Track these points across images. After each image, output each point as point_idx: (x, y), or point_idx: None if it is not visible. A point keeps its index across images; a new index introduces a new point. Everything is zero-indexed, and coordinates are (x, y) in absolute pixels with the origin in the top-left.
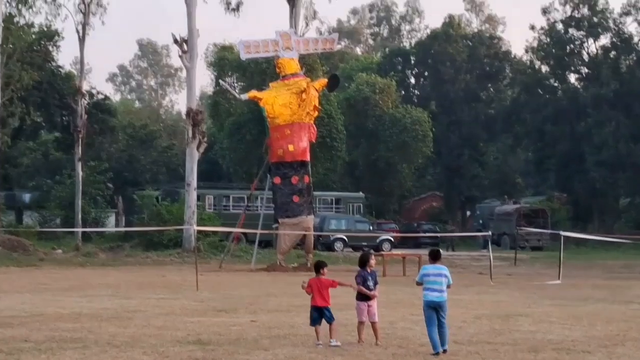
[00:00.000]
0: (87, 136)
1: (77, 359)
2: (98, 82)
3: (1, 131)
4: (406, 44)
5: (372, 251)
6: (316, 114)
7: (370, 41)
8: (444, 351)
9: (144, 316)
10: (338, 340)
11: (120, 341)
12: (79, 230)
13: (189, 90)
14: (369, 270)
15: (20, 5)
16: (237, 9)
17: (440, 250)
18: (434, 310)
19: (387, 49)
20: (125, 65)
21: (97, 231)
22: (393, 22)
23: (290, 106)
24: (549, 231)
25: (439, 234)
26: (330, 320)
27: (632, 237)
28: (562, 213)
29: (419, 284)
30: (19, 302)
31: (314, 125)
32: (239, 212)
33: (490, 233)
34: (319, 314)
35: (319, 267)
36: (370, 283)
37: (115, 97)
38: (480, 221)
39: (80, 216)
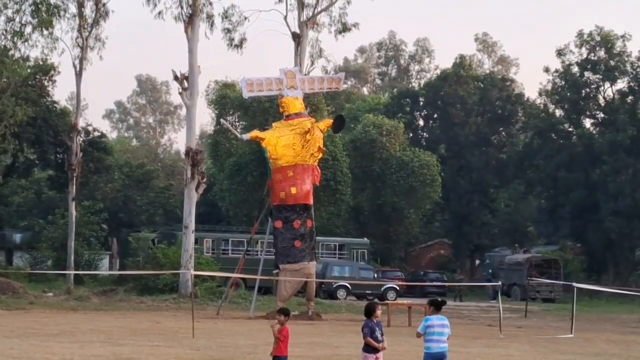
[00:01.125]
0: (82, 175)
1: None
2: (94, 119)
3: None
4: (415, 84)
5: (377, 300)
6: (320, 155)
7: (378, 81)
8: None
9: None
10: None
11: None
12: (71, 272)
13: (188, 129)
14: (375, 321)
15: (15, 38)
16: (240, 45)
17: (444, 300)
18: None
19: (395, 90)
20: (122, 102)
21: (90, 274)
22: (402, 61)
23: (293, 147)
24: (562, 282)
25: (446, 283)
26: None
27: None
28: (575, 264)
29: (420, 335)
30: (7, 347)
31: (318, 168)
32: (238, 257)
33: (500, 283)
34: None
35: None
36: (378, 334)
37: (112, 135)
38: (490, 270)
39: (72, 258)
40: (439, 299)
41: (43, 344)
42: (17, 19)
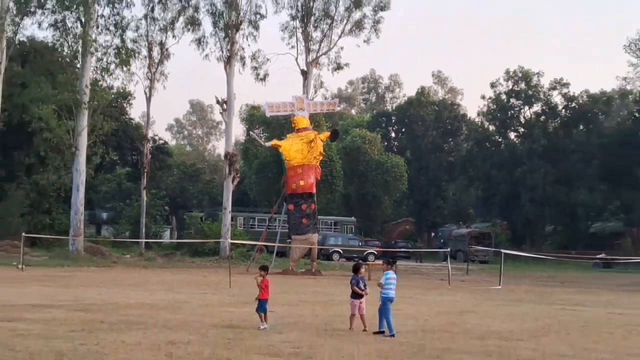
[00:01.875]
0: (150, 171)
1: (140, 337)
2: (159, 131)
3: (87, 166)
4: (389, 107)
5: (361, 261)
6: (321, 158)
7: (362, 105)
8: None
9: (190, 306)
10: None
11: (173, 324)
12: (143, 240)
13: (227, 139)
14: (359, 276)
15: (103, 73)
16: (264, 78)
17: (394, 259)
18: (390, 303)
19: (374, 111)
20: (179, 119)
21: (156, 242)
22: (379, 91)
23: (302, 152)
24: (493, 249)
25: (410, 250)
26: None
27: (555, 255)
28: (502, 236)
29: (382, 285)
30: (97, 294)
31: (319, 167)
32: (262, 230)
33: (449, 249)
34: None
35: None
36: (362, 285)
37: (172, 142)
38: (442, 240)
39: (143, 230)
40: (391, 259)
41: (122, 292)
42: (105, 59)
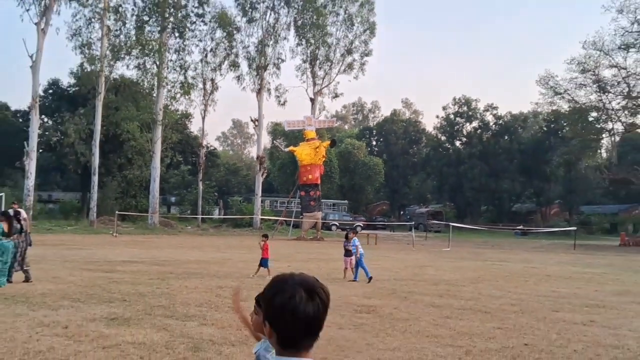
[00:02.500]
0: (205, 168)
1: (197, 283)
2: (211, 140)
3: (160, 165)
4: (371, 124)
5: (351, 231)
6: (324, 159)
7: (352, 122)
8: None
9: (232, 262)
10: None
11: (220, 274)
12: (199, 217)
13: (258, 146)
14: (349, 241)
15: (171, 100)
16: (284, 104)
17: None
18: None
19: (361, 126)
20: (225, 132)
21: (209, 217)
22: (364, 112)
23: (310, 155)
24: (444, 222)
25: (386, 223)
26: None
27: (487, 227)
28: (451, 213)
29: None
30: (167, 253)
31: (322, 165)
32: (282, 209)
33: (413, 223)
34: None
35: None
36: (351, 247)
37: (220, 149)
38: (408, 217)
39: (200, 209)
40: (355, 230)
41: (185, 252)
42: (173, 91)
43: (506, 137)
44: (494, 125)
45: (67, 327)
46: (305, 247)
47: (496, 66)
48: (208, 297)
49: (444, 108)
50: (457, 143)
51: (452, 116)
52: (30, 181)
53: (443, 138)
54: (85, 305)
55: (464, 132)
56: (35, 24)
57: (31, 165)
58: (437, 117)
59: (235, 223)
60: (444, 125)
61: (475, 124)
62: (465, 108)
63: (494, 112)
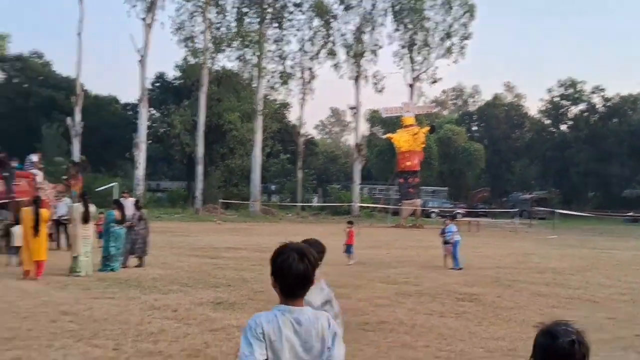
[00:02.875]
0: (304, 157)
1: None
2: (309, 129)
3: (262, 154)
4: (471, 108)
5: (447, 218)
6: (423, 145)
7: (452, 107)
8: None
9: (331, 249)
10: None
11: (323, 261)
12: (299, 204)
13: (356, 133)
14: (445, 228)
15: (271, 90)
16: (381, 91)
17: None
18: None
19: (460, 112)
20: (323, 120)
21: (308, 205)
22: (464, 97)
23: (408, 141)
24: (549, 209)
25: (488, 210)
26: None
27: (595, 213)
28: (556, 200)
29: (443, 235)
30: (268, 240)
31: (421, 152)
32: (380, 197)
33: (516, 210)
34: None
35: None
36: (447, 234)
37: (317, 137)
38: (511, 203)
39: (299, 197)
40: (452, 216)
41: (285, 238)
42: (272, 81)
43: (615, 120)
44: (601, 108)
45: (176, 310)
46: (404, 234)
47: (603, 46)
48: None
49: (549, 90)
50: (563, 127)
51: (557, 99)
52: (140, 171)
53: (547, 122)
54: (193, 289)
55: (570, 115)
56: (142, 19)
57: (140, 156)
58: (541, 100)
59: (334, 210)
60: (549, 109)
61: (581, 106)
62: (571, 90)
63: (602, 94)
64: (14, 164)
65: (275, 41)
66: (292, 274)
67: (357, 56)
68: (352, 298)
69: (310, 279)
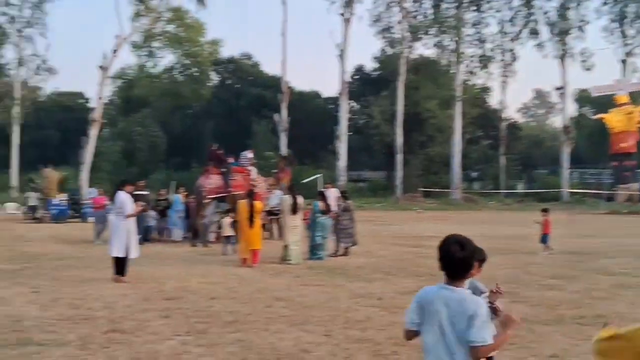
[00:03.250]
0: (506, 142)
1: (505, 259)
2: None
3: (462, 140)
4: None
5: None
6: (638, 125)
7: None
8: None
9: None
10: None
11: (525, 251)
12: (502, 192)
13: (563, 115)
14: None
15: (470, 75)
16: (589, 69)
17: None
18: None
19: None
20: (525, 103)
21: (512, 192)
22: None
23: (622, 122)
24: None
25: None
26: None
27: None
28: None
29: None
30: (470, 229)
31: (638, 132)
32: (592, 182)
33: None
34: None
35: None
36: None
37: (520, 121)
38: None
39: (502, 183)
40: None
41: (489, 228)
42: (471, 65)
43: None
44: None
45: (381, 298)
46: (620, 221)
47: None
48: (517, 274)
49: None
50: None
51: None
52: (342, 162)
53: None
54: (396, 278)
55: None
56: (341, 14)
57: (342, 148)
58: None
59: (540, 197)
60: None
61: None
62: None
63: None
64: (230, 160)
65: (474, 25)
66: (453, 260)
67: (562, 34)
68: (566, 290)
69: (468, 265)
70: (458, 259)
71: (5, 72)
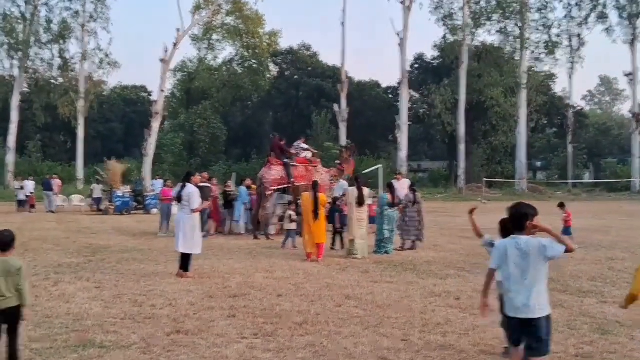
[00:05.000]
0: (573, 130)
1: (584, 253)
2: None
3: (527, 129)
4: None
5: None
6: None
7: None
8: None
9: (615, 229)
10: None
11: (605, 244)
12: (570, 182)
13: (633, 101)
14: None
15: (535, 61)
16: None
17: None
18: None
19: None
20: (591, 90)
21: (579, 182)
22: None
23: None
24: None
25: None
26: None
27: None
28: None
29: None
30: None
31: None
32: None
33: None
34: None
35: None
36: None
37: (586, 108)
38: None
39: (569, 173)
40: None
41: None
42: (536, 52)
43: None
44: None
45: (459, 298)
46: None
47: None
48: (600, 270)
49: None
50: None
51: None
52: (403, 153)
53: None
54: (471, 275)
55: None
56: (401, 2)
57: (403, 138)
58: None
59: (610, 187)
60: None
61: None
62: None
63: None
64: (293, 151)
65: (539, 10)
66: (516, 216)
67: (633, 17)
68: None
69: (525, 220)
70: (520, 216)
71: (70, 67)
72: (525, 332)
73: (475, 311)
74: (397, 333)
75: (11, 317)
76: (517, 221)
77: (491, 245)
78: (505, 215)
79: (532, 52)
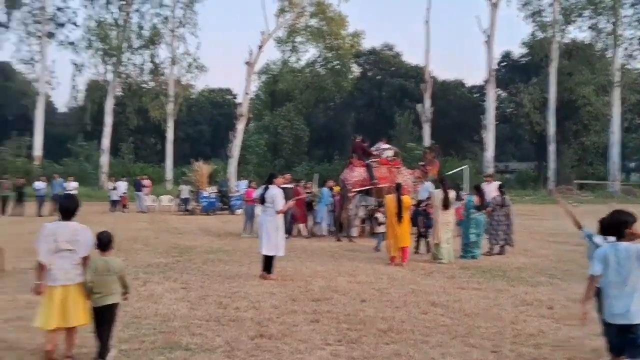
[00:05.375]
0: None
1: None
2: None
3: (620, 129)
4: None
5: None
6: None
7: None
8: None
9: None
10: None
11: None
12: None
13: None
14: None
15: (629, 59)
16: None
17: None
18: None
19: None
20: None
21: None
22: None
23: None
24: None
25: None
26: None
27: None
28: None
29: None
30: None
31: None
32: None
33: None
34: None
35: None
36: None
37: None
38: None
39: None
40: None
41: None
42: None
43: None
44: None
45: (551, 307)
46: None
47: None
48: None
49: None
50: None
51: None
52: (489, 153)
53: None
54: (564, 282)
55: None
56: None
57: (489, 138)
58: None
59: None
60: None
61: None
62: None
63: None
64: (376, 152)
65: (633, 4)
66: (615, 224)
67: None
68: None
69: (624, 227)
70: (619, 223)
71: (160, 71)
72: (625, 339)
73: (570, 322)
74: (486, 344)
75: (108, 315)
76: (616, 228)
77: (590, 238)
78: (599, 218)
79: (626, 48)
